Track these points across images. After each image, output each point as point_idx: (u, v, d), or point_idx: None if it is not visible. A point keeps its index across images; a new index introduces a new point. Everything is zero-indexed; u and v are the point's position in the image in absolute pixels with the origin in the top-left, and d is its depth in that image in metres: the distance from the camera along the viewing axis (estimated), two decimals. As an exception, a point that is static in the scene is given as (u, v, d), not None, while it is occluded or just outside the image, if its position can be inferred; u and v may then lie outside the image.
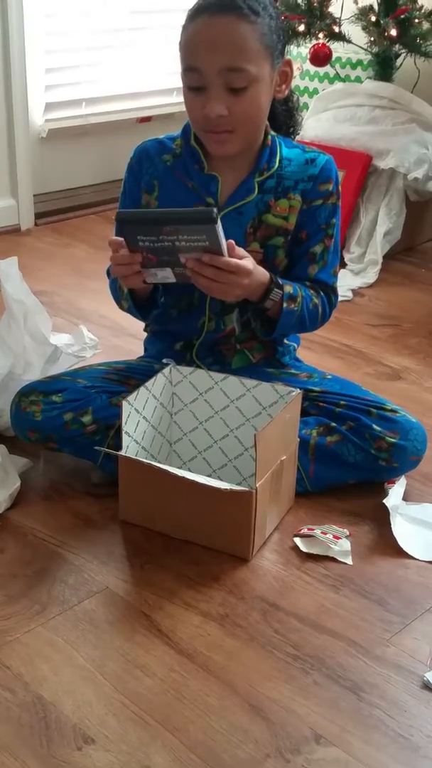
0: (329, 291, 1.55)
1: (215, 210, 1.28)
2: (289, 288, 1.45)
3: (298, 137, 1.60)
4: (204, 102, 1.38)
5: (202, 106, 1.39)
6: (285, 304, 1.45)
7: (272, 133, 1.51)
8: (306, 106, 3.01)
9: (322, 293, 1.54)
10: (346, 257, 2.64)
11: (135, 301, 1.50)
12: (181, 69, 1.41)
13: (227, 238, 1.36)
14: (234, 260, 1.34)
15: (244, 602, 1.31)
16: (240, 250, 1.37)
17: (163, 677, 1.17)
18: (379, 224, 2.65)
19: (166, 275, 1.37)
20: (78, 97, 3.00)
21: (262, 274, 1.42)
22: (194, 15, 1.38)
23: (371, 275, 2.58)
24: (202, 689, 1.15)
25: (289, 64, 1.44)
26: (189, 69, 1.39)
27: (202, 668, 1.19)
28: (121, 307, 1.55)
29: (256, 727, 1.10)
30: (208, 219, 1.28)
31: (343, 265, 2.60)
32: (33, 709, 1.12)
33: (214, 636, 1.24)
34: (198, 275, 1.34)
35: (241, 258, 1.36)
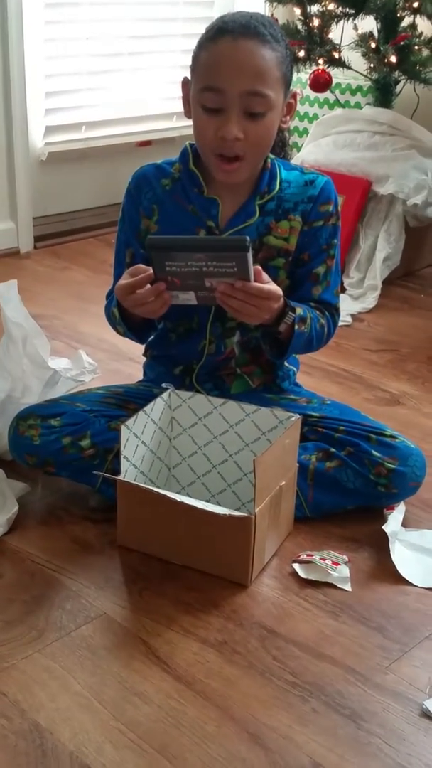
0: (333, 311, 1.56)
1: (248, 238, 1.28)
2: (299, 310, 1.46)
3: (298, 162, 1.61)
4: (220, 124, 1.39)
5: (216, 128, 1.39)
6: (296, 326, 1.46)
7: (271, 156, 1.52)
8: (306, 131, 3.03)
9: (326, 313, 1.55)
10: (346, 282, 2.65)
11: (130, 325, 1.50)
12: (196, 89, 1.40)
13: None
14: (266, 286, 1.35)
15: (242, 629, 1.30)
16: (265, 275, 1.37)
17: (160, 704, 1.16)
18: (379, 249, 2.66)
19: (188, 298, 1.38)
20: (78, 121, 3.03)
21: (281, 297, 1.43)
22: (215, 36, 1.38)
23: (370, 300, 2.58)
24: (200, 717, 1.14)
25: (294, 96, 1.46)
26: (209, 89, 1.38)
27: (200, 695, 1.18)
28: (117, 332, 1.56)
29: (255, 755, 1.09)
30: (240, 247, 1.29)
31: (343, 290, 2.61)
32: (29, 737, 1.11)
33: (212, 663, 1.23)
34: (229, 298, 1.34)
35: (267, 282, 1.37)
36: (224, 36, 1.37)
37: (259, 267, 1.36)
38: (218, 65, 1.37)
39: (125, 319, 1.49)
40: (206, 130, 1.41)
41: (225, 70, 1.36)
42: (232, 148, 1.40)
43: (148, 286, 1.36)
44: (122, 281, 1.40)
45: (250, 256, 1.30)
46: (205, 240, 1.34)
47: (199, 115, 1.41)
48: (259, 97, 1.37)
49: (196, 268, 1.32)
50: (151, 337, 1.62)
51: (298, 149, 2.92)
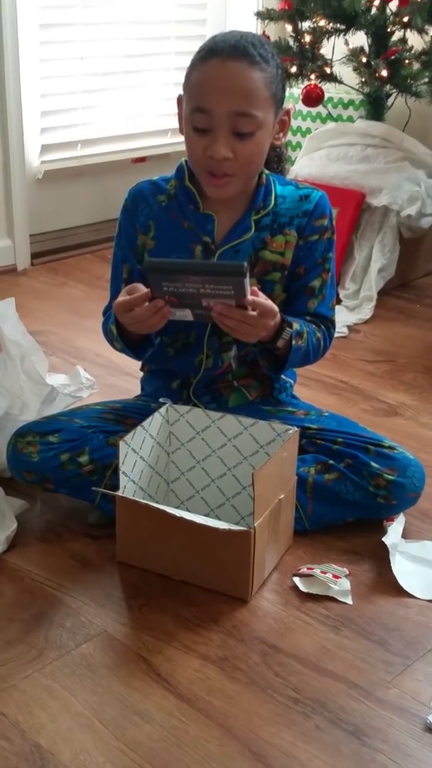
0: (328, 324, 1.57)
1: (246, 264, 1.29)
2: (296, 325, 1.46)
3: (292, 176, 1.62)
4: (208, 143, 1.40)
5: (205, 147, 1.40)
6: (294, 342, 1.46)
7: (266, 171, 1.52)
8: (299, 145, 3.05)
9: (322, 326, 1.55)
10: (341, 294, 2.66)
11: (128, 341, 1.50)
12: (187, 109, 1.42)
13: None
14: (262, 304, 1.34)
15: (243, 644, 1.29)
16: (261, 294, 1.38)
17: (162, 723, 1.15)
18: (374, 261, 2.67)
19: (184, 314, 1.39)
20: (73, 139, 3.04)
21: (278, 313, 1.43)
22: (205, 57, 1.39)
23: (366, 311, 2.59)
24: (202, 735, 1.13)
25: (288, 113, 1.47)
26: (197, 110, 1.39)
27: (201, 713, 1.17)
28: (115, 348, 1.56)
29: (258, 773, 1.08)
30: (238, 273, 1.29)
31: (338, 301, 2.61)
32: (30, 758, 1.10)
33: (213, 680, 1.22)
34: (226, 318, 1.35)
35: (263, 299, 1.37)
36: (213, 57, 1.38)
37: (255, 288, 1.37)
38: (206, 87, 1.38)
39: (123, 335, 1.49)
40: (196, 149, 1.42)
41: (212, 92, 1.38)
42: (221, 167, 1.41)
43: (146, 303, 1.36)
44: (120, 298, 1.40)
45: (247, 280, 1.30)
46: (202, 265, 1.34)
47: (190, 134, 1.43)
48: (246, 117, 1.38)
49: (193, 290, 1.32)
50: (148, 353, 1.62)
51: (292, 163, 2.93)
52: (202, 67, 1.39)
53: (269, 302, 1.37)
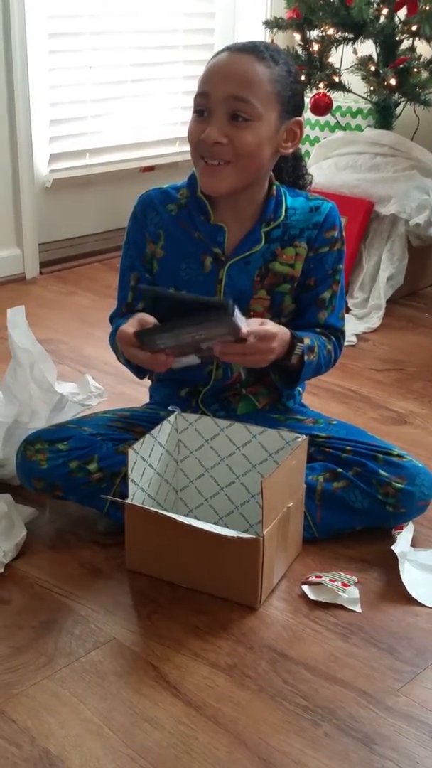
0: (338, 335, 1.57)
1: (230, 302, 1.27)
2: (307, 340, 1.47)
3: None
4: (205, 127, 1.41)
5: (201, 131, 1.41)
6: (306, 357, 1.47)
7: (276, 183, 1.53)
8: (308, 154, 3.05)
9: (333, 338, 1.56)
10: (350, 302, 2.66)
11: (131, 362, 1.50)
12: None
13: (236, 287, 1.35)
14: (254, 331, 1.34)
15: (252, 652, 1.29)
16: (260, 320, 1.38)
17: (171, 730, 1.15)
18: (382, 269, 2.67)
19: (190, 360, 1.39)
20: (82, 148, 3.05)
21: (284, 332, 1.43)
22: (217, 53, 1.44)
23: (375, 320, 2.59)
24: (211, 742, 1.13)
25: (299, 124, 1.46)
26: (199, 95, 1.42)
27: (210, 720, 1.17)
28: (118, 360, 1.57)
29: (267, 781, 1.08)
30: (223, 314, 1.27)
31: (347, 310, 2.61)
32: (40, 764, 1.10)
33: (222, 687, 1.23)
34: (229, 356, 1.36)
35: (261, 324, 1.37)
36: (224, 51, 1.43)
37: (256, 319, 1.37)
38: (209, 73, 1.42)
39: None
40: (193, 134, 1.44)
41: (213, 76, 1.41)
42: (215, 152, 1.40)
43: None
44: (127, 328, 1.37)
45: (236, 316, 1.28)
46: (187, 320, 1.30)
47: (192, 121, 1.45)
48: (242, 102, 1.38)
49: (188, 339, 1.32)
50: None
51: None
52: (211, 60, 1.43)
53: (264, 326, 1.37)
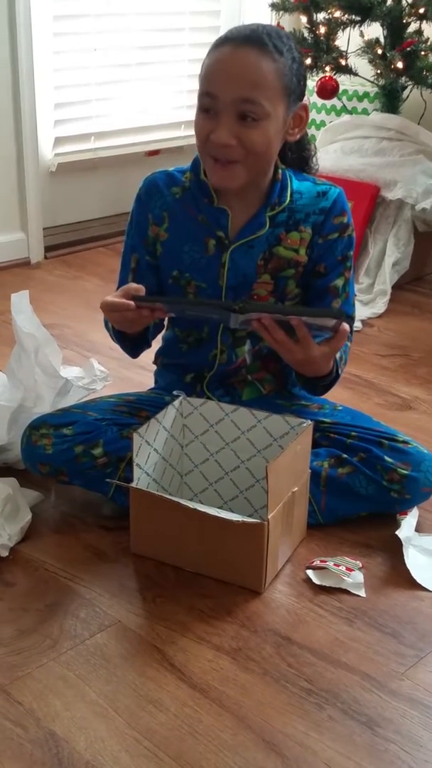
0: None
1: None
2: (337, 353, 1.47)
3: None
4: (213, 127, 1.39)
5: (210, 130, 1.40)
6: (339, 369, 1.49)
7: (282, 166, 1.51)
8: (314, 138, 3.04)
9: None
10: (355, 288, 2.65)
11: (123, 339, 1.51)
12: (198, 93, 1.42)
13: (239, 270, 1.34)
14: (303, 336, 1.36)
15: (256, 636, 1.30)
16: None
17: (176, 712, 1.16)
18: (388, 255, 2.66)
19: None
20: (87, 132, 3.04)
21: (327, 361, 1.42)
22: (219, 44, 1.40)
23: (380, 305, 2.58)
24: (216, 724, 1.14)
25: (305, 108, 1.44)
26: (205, 94, 1.40)
27: (215, 703, 1.18)
28: (113, 340, 1.57)
29: (271, 763, 1.09)
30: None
31: (353, 295, 2.61)
32: (45, 746, 1.11)
33: (227, 670, 1.23)
34: (271, 332, 1.36)
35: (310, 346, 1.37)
36: (226, 44, 1.38)
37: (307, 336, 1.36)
38: (215, 72, 1.39)
39: (117, 331, 1.50)
40: (201, 131, 1.42)
41: (219, 77, 1.38)
42: (224, 153, 1.40)
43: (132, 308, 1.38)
44: (108, 299, 1.41)
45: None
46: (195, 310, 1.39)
47: (198, 117, 1.42)
48: (250, 104, 1.37)
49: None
50: (162, 345, 1.63)
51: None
52: (214, 52, 1.40)
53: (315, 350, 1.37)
